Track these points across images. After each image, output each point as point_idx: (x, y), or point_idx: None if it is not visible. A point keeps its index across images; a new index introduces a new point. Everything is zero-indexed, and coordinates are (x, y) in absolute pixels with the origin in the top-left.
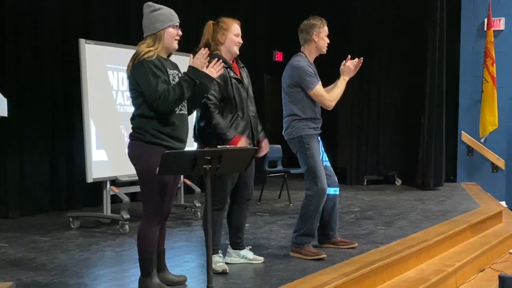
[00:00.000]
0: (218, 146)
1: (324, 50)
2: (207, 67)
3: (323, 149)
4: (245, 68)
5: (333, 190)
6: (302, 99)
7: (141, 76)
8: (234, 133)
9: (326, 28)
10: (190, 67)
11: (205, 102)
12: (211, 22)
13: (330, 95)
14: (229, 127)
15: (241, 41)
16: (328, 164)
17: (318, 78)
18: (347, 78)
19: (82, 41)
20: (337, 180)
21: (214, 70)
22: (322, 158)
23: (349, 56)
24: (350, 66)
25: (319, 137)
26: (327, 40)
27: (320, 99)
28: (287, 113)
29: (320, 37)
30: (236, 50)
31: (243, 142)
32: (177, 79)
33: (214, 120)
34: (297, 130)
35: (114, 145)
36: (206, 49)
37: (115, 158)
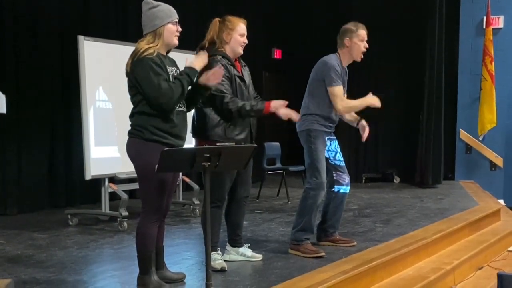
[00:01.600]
0: (218, 144)
1: (358, 57)
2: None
3: (339, 148)
4: (246, 67)
5: (343, 189)
6: (321, 95)
7: (142, 74)
8: (260, 103)
9: (361, 32)
10: (188, 68)
11: (220, 96)
12: (217, 19)
13: (347, 101)
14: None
15: (246, 41)
16: (343, 163)
17: (342, 83)
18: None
19: (81, 38)
20: (349, 180)
21: (213, 78)
22: (337, 157)
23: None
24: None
25: (333, 136)
26: (364, 45)
27: (334, 99)
28: (303, 105)
29: (353, 41)
30: (240, 50)
31: (275, 103)
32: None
33: (238, 104)
34: (307, 124)
35: (113, 142)
36: (206, 54)
37: (114, 155)
